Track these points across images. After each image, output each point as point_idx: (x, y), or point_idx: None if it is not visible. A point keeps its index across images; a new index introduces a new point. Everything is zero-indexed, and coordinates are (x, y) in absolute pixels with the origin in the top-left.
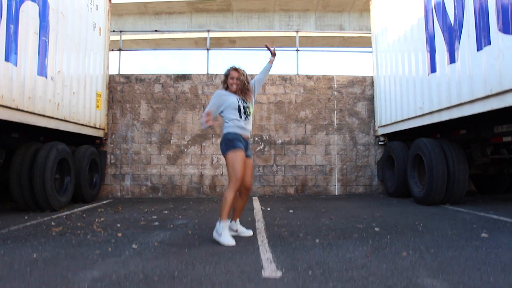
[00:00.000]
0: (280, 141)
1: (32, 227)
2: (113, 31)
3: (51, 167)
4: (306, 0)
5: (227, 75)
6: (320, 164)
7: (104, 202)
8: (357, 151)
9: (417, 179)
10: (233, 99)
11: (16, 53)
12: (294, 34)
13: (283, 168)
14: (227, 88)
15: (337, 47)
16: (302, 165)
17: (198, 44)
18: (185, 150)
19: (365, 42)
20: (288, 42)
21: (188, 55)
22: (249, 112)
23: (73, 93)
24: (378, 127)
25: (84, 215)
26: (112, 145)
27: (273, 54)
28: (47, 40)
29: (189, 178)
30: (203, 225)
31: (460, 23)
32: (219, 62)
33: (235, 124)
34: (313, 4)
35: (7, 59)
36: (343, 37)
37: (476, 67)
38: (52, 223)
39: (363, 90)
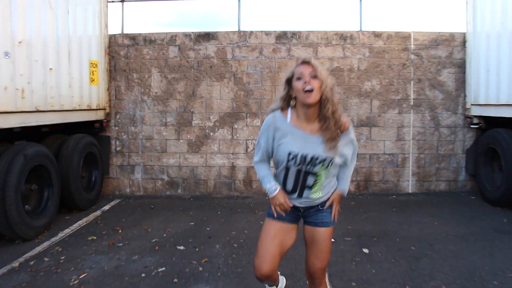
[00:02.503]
0: None
1: None
2: None
3: (15, 185)
4: None
5: (289, 79)
6: (389, 153)
7: (106, 208)
8: (439, 135)
9: None
10: (287, 147)
11: None
12: None
13: None
14: (287, 106)
15: None
16: (366, 154)
17: None
18: (211, 134)
19: None
20: None
21: None
22: (315, 183)
23: (50, 69)
24: (472, 104)
25: (62, 259)
26: (116, 128)
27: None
28: None
29: (217, 171)
30: None
31: None
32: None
33: (280, 185)
34: None
35: None
36: None
37: None
38: None
39: (450, 53)
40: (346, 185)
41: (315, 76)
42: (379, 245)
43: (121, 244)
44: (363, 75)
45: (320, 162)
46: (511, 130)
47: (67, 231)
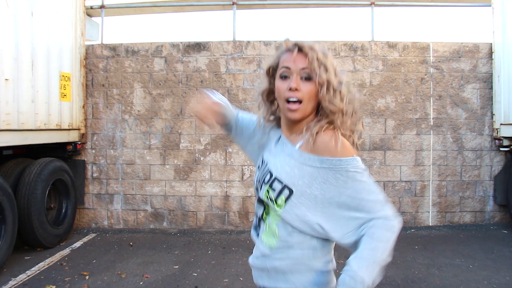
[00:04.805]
0: None
1: None
2: None
3: None
4: None
5: (273, 69)
6: (406, 180)
7: (77, 245)
8: (463, 159)
9: None
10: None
11: None
12: None
13: None
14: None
15: None
16: (380, 181)
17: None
18: (202, 158)
19: None
20: None
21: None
22: (264, 217)
23: (5, 80)
24: (501, 124)
25: None
26: (93, 151)
27: None
28: None
29: (208, 201)
30: None
31: None
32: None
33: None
34: None
35: None
36: None
37: None
38: None
39: (474, 66)
40: (359, 268)
41: (308, 77)
42: None
43: None
44: (376, 91)
45: (267, 182)
46: None
47: (22, 277)
